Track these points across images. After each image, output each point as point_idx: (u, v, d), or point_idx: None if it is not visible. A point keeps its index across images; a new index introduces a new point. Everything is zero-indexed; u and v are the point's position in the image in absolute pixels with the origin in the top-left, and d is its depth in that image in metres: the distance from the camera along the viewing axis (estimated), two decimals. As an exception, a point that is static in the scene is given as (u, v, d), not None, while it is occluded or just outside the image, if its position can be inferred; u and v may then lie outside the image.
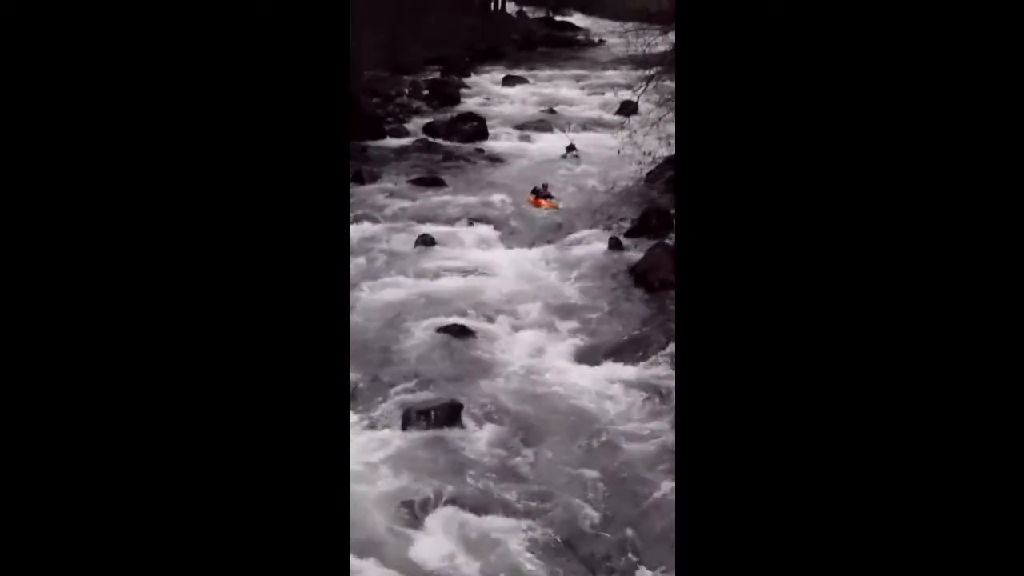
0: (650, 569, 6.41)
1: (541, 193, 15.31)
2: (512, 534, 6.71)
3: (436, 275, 12.16)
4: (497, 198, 15.69)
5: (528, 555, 6.52)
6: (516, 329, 10.48)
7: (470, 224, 14.39)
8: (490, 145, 20.02)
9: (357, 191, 15.23)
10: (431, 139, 20.31)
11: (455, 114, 22.03)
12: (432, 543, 6.61)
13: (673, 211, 14.30)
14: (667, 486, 7.26)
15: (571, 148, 18.76)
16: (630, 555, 6.57)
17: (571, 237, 13.63)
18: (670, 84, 16.82)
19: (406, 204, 15.31)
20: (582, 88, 25.90)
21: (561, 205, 15.14)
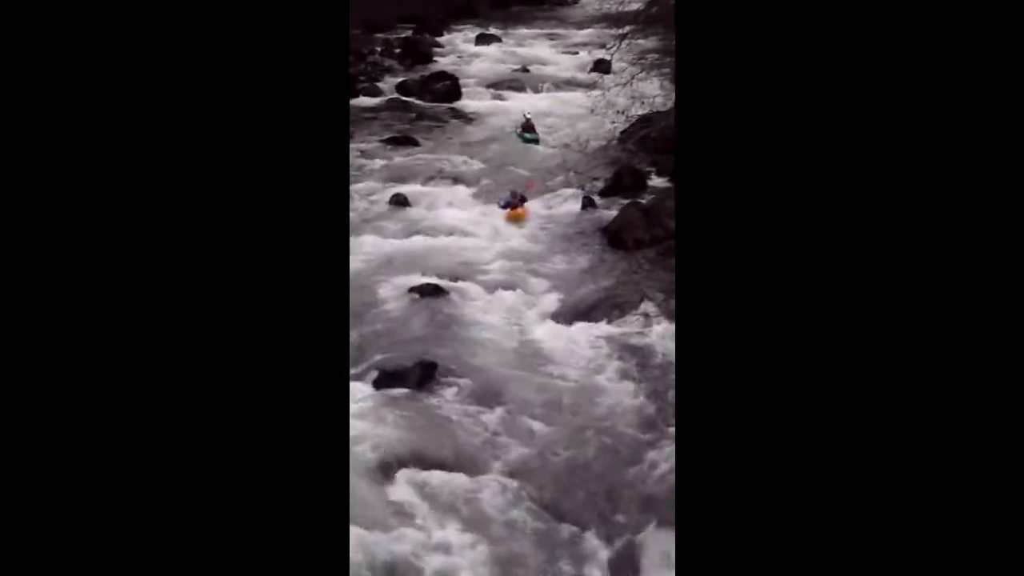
0: (631, 526, 6.48)
1: (512, 203, 12.91)
2: (485, 491, 6.75)
3: (409, 234, 12.12)
4: (470, 158, 15.61)
5: (502, 512, 6.57)
6: (489, 289, 10.47)
7: (443, 184, 14.32)
8: (464, 104, 19.88)
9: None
10: (404, 98, 20.13)
11: (428, 73, 21.83)
12: (403, 501, 6.63)
13: (648, 170, 14.32)
14: (642, 439, 7.35)
15: (528, 130, 16.84)
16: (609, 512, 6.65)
17: (544, 196, 13.60)
18: (643, 43, 16.75)
19: (379, 164, 15.20)
20: (555, 47, 25.71)
21: (535, 185, 13.75)
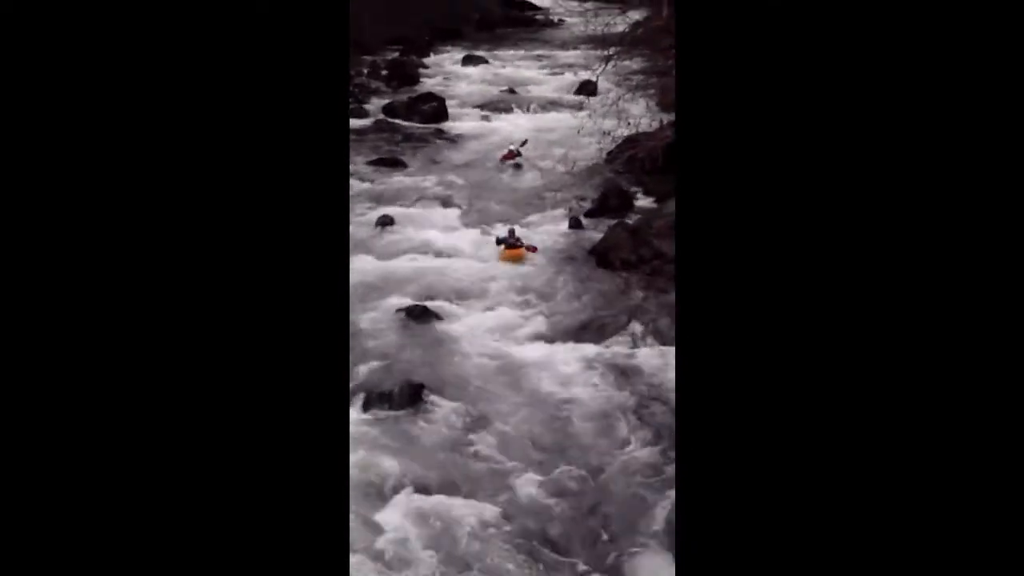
0: (617, 546, 6.46)
1: (510, 242, 11.98)
2: (475, 515, 6.72)
3: (395, 256, 12.11)
4: (458, 179, 15.63)
5: (489, 535, 6.54)
6: (476, 310, 10.47)
7: (430, 205, 14.33)
8: (451, 126, 19.93)
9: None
10: (390, 120, 20.15)
11: (415, 94, 21.87)
12: (395, 525, 6.60)
13: (635, 190, 14.36)
14: (624, 460, 7.34)
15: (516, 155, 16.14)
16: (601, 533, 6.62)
17: (531, 217, 13.61)
18: (629, 63, 16.85)
19: (366, 185, 15.21)
20: (542, 68, 25.82)
21: (537, 249, 12.02)
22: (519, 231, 12.26)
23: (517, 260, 11.63)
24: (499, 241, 11.95)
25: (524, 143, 16.41)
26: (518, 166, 16.02)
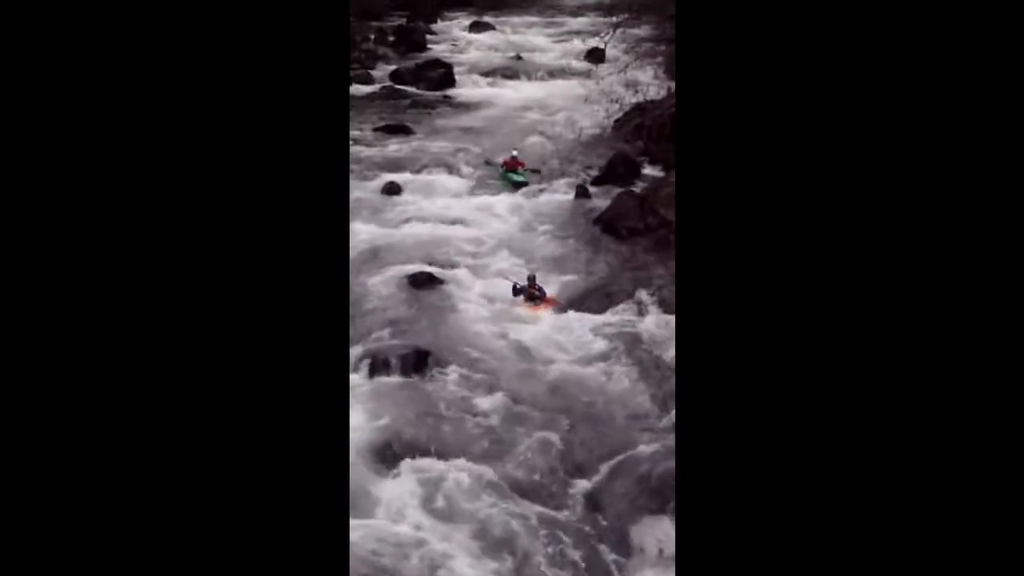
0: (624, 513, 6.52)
1: (531, 293, 9.80)
2: (478, 477, 6.78)
3: (402, 223, 12.11)
4: (465, 146, 15.59)
5: (493, 497, 6.60)
6: (482, 277, 10.49)
7: (437, 172, 14.30)
8: (457, 92, 19.85)
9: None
10: (397, 86, 20.09)
11: (421, 61, 21.77)
12: (401, 491, 6.65)
13: (641, 158, 14.31)
14: (632, 427, 7.40)
15: (513, 169, 14.44)
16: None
17: (538, 185, 13.59)
18: (637, 31, 16.73)
19: (372, 152, 15.18)
20: (549, 35, 25.66)
21: (560, 303, 9.87)
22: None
23: (537, 318, 9.55)
24: (516, 291, 9.81)
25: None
26: (523, 183, 14.57)
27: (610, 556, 6.14)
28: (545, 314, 9.55)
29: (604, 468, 6.97)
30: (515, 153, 14.33)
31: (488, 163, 14.28)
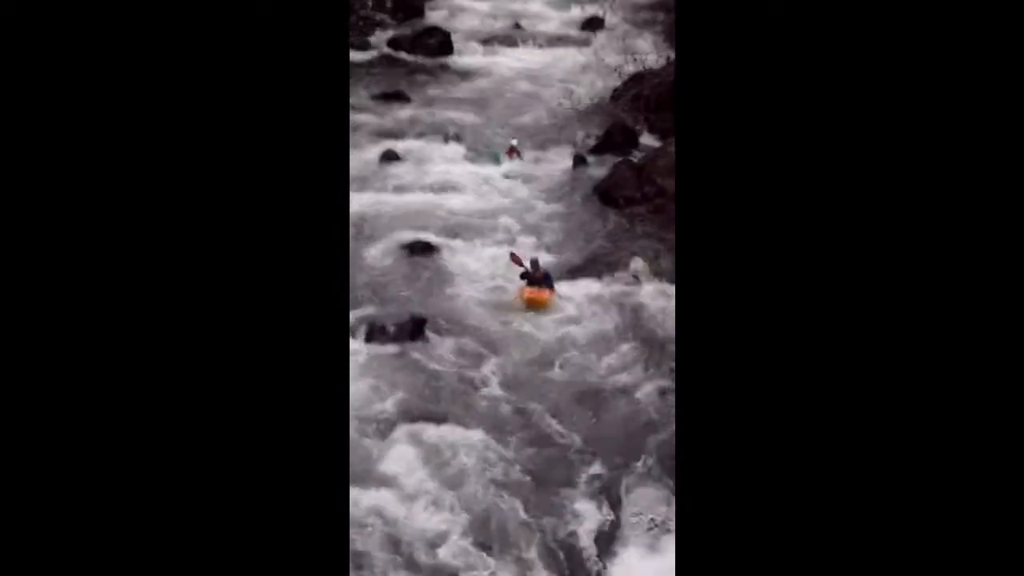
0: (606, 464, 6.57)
1: (534, 276, 9.46)
2: (475, 445, 6.82)
3: (399, 191, 12.09)
4: (462, 114, 15.51)
5: (490, 465, 6.65)
6: (480, 245, 10.49)
7: (434, 139, 14.24)
8: (455, 60, 19.71)
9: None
10: (395, 53, 19.93)
11: (420, 28, 21.58)
12: (397, 456, 6.70)
13: (639, 128, 14.25)
14: (626, 383, 7.45)
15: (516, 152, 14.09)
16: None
17: (536, 153, 13.55)
18: (636, -1, 16.63)
19: (370, 119, 15.10)
20: (548, 2, 25.43)
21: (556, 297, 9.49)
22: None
23: (541, 307, 9.24)
24: (523, 276, 9.49)
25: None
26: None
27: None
28: (548, 303, 9.26)
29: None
30: (514, 143, 14.08)
31: (493, 155, 13.76)
